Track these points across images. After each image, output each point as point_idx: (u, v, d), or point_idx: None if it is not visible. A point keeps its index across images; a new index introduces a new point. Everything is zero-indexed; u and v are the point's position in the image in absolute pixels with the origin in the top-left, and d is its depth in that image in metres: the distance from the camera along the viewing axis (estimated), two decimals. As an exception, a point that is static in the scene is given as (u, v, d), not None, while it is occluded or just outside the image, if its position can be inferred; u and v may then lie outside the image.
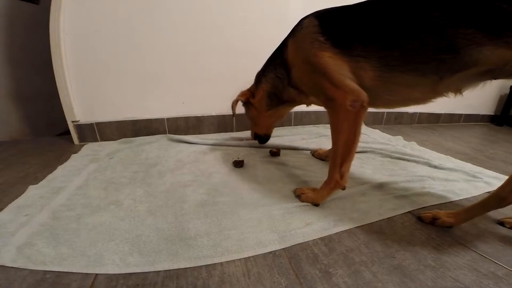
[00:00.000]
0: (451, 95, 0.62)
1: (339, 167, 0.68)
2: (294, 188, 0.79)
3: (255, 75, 1.00)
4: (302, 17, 0.75)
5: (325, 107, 0.71)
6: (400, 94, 0.66)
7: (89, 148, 1.14)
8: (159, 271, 0.49)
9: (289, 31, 0.80)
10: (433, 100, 0.64)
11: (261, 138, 1.15)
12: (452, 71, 0.55)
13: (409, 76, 0.59)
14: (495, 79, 0.56)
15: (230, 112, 1.40)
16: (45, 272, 0.48)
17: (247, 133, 1.41)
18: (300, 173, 0.93)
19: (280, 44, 0.86)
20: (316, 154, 1.10)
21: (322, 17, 0.70)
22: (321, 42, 0.66)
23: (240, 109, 1.40)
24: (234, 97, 1.05)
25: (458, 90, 0.60)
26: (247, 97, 1.02)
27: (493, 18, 0.48)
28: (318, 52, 0.66)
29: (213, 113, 1.40)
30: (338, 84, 0.64)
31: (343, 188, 0.72)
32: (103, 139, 1.25)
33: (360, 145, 1.23)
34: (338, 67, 0.64)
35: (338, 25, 0.67)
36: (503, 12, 0.46)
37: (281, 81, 0.87)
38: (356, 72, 0.63)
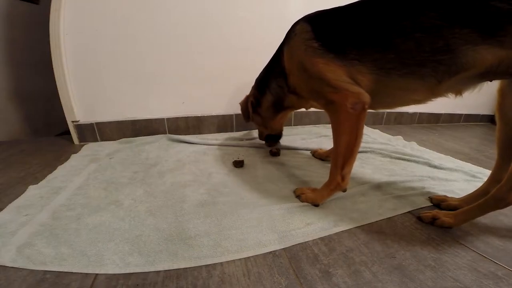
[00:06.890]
0: (451, 96, 0.62)
1: (340, 169, 0.67)
2: (294, 188, 0.79)
3: (255, 76, 0.98)
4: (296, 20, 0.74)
5: (326, 110, 0.70)
6: (400, 97, 0.66)
7: (89, 148, 1.14)
8: (159, 271, 0.49)
9: (284, 37, 0.79)
10: (433, 100, 0.64)
11: (274, 137, 1.11)
12: (450, 74, 0.54)
13: (408, 80, 0.59)
14: (491, 80, 0.56)
15: (230, 112, 1.42)
16: (45, 272, 0.48)
17: (247, 133, 1.41)
18: (300, 173, 0.93)
19: (277, 51, 0.85)
20: (316, 154, 1.10)
21: (314, 21, 0.68)
22: (315, 49, 0.65)
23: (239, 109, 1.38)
24: (233, 98, 1.03)
25: (458, 92, 0.60)
26: (254, 104, 0.99)
27: (486, 17, 0.48)
28: (312, 59, 0.65)
29: (213, 113, 1.40)
30: (338, 88, 0.63)
31: (344, 190, 0.71)
32: (103, 139, 1.25)
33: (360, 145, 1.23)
34: (334, 73, 0.63)
35: (331, 29, 0.65)
36: (496, 11, 0.47)
37: (282, 90, 0.86)
38: (354, 76, 0.62)
